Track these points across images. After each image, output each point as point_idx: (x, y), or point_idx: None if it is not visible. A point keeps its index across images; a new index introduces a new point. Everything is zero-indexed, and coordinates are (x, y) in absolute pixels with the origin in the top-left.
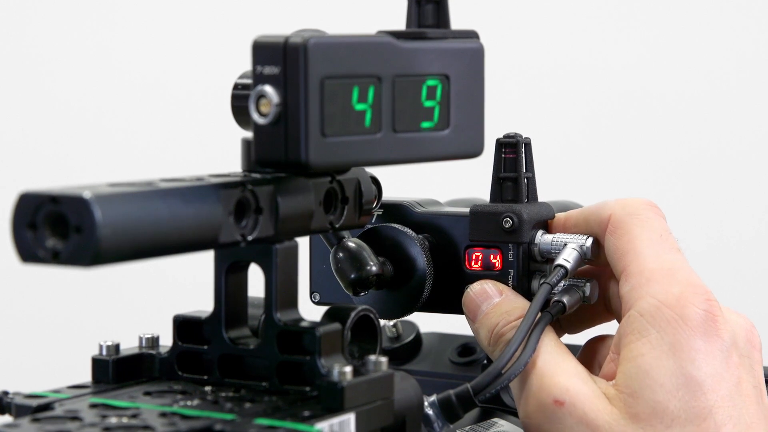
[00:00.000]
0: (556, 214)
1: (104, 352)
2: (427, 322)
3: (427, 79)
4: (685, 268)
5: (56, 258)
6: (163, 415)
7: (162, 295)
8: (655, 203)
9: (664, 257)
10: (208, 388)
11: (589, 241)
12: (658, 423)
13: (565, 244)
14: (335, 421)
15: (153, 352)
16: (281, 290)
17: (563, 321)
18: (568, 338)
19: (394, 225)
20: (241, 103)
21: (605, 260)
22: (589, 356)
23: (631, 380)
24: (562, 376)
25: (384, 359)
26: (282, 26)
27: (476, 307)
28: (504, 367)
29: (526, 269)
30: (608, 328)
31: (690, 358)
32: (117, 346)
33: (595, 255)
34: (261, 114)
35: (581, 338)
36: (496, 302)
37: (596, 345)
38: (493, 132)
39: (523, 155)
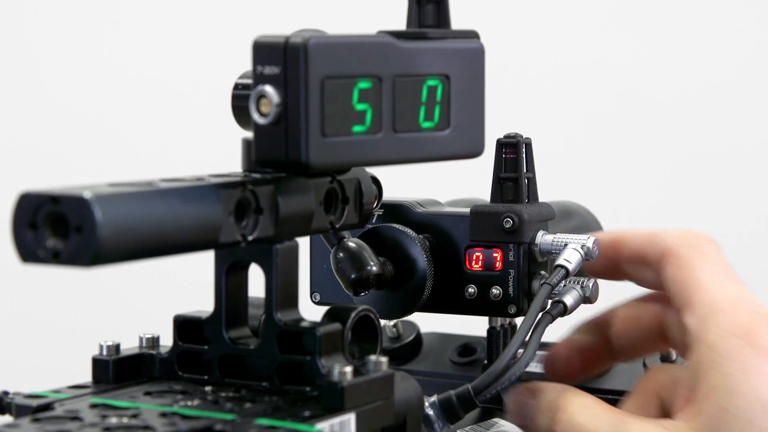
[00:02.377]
0: (599, 234)
1: (104, 352)
2: (428, 322)
3: (428, 79)
4: (748, 298)
5: (56, 258)
6: (164, 415)
7: (162, 295)
8: (711, 237)
9: (728, 288)
10: (208, 388)
11: (590, 242)
12: None
13: (566, 245)
14: (335, 421)
15: (153, 352)
16: (281, 290)
17: (616, 349)
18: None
19: (395, 225)
20: (241, 103)
21: (662, 287)
22: (648, 387)
23: (710, 419)
24: None
25: (384, 359)
26: (282, 26)
27: (524, 414)
28: (505, 367)
29: (527, 269)
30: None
31: (764, 384)
32: (117, 346)
33: (597, 256)
34: (261, 114)
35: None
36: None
37: (656, 375)
38: (493, 132)
39: (524, 155)
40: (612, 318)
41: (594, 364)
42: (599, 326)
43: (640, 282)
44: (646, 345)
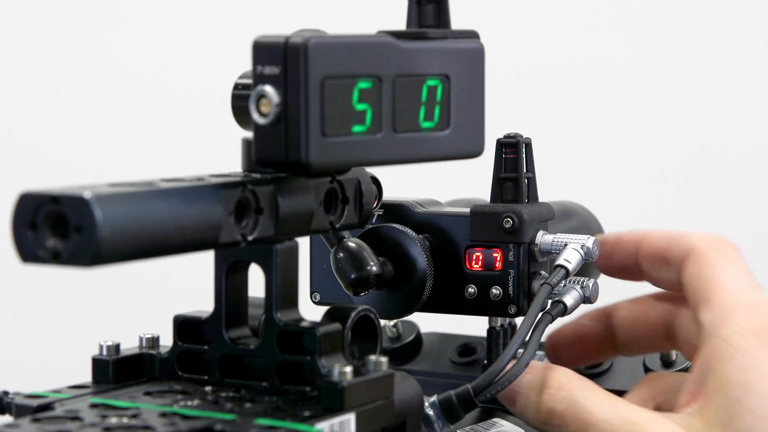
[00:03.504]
0: (628, 233)
1: (104, 352)
2: (428, 322)
3: (428, 79)
4: (767, 303)
5: (56, 258)
6: (164, 415)
7: (162, 295)
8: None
9: (748, 291)
10: (208, 388)
11: (590, 242)
12: None
13: (566, 245)
14: (335, 421)
15: (153, 352)
16: (281, 290)
17: (620, 342)
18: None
19: (395, 225)
20: (241, 103)
21: (676, 287)
22: (645, 392)
23: (720, 410)
24: (635, 429)
25: (384, 359)
26: (282, 26)
27: (513, 394)
28: (504, 367)
29: (527, 269)
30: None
31: None
32: (117, 346)
33: (597, 256)
34: (261, 114)
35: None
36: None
37: (654, 381)
38: (493, 132)
39: (524, 155)
40: (620, 310)
41: (595, 352)
42: (606, 316)
43: (657, 282)
44: (650, 342)
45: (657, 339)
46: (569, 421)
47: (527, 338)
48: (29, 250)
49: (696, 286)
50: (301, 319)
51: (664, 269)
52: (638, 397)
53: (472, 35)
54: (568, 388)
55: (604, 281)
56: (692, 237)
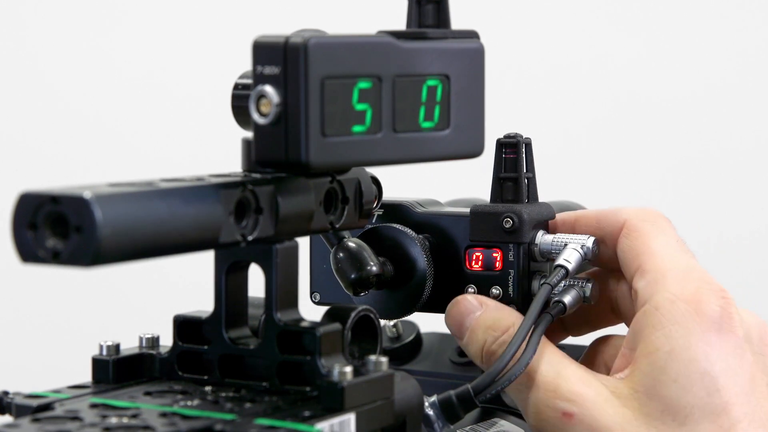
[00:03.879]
0: (562, 214)
1: (104, 352)
2: (428, 322)
3: (428, 79)
4: (700, 269)
5: (56, 258)
6: (164, 415)
7: (162, 295)
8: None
9: (680, 258)
10: (208, 388)
11: (590, 241)
12: (671, 421)
13: (566, 245)
14: (335, 421)
15: (153, 352)
16: (281, 290)
17: (568, 323)
18: (572, 340)
19: (395, 225)
20: (241, 103)
21: (614, 263)
22: (595, 357)
23: (644, 377)
24: (565, 386)
25: (384, 359)
26: (282, 26)
27: (460, 325)
28: (505, 368)
29: (527, 269)
30: (613, 330)
31: (704, 353)
32: (117, 346)
33: (596, 256)
34: (261, 114)
35: (586, 340)
36: (478, 316)
37: (601, 346)
38: (493, 132)
39: (524, 155)
40: None
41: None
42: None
43: (595, 259)
44: (597, 319)
45: (603, 315)
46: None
47: (527, 338)
48: (29, 250)
49: (630, 257)
50: (301, 319)
51: (601, 246)
52: (590, 361)
53: (472, 35)
54: (512, 332)
55: None
56: (623, 212)
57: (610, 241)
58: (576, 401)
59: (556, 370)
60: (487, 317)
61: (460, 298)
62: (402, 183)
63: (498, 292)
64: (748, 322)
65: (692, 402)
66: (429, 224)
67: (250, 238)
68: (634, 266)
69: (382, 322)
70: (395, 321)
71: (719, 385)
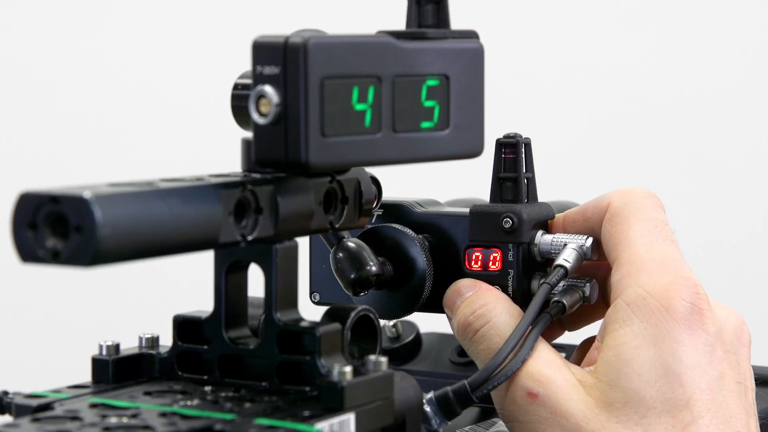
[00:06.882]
0: (555, 215)
1: (104, 352)
2: (427, 322)
3: (427, 79)
4: (676, 260)
5: (56, 258)
6: (163, 415)
7: (162, 295)
8: (654, 194)
9: (657, 247)
10: (208, 388)
11: (589, 241)
12: (633, 413)
13: (565, 245)
14: (335, 421)
15: (153, 352)
16: (281, 290)
17: (564, 318)
18: (568, 338)
19: (394, 225)
20: (241, 103)
21: (604, 255)
22: (582, 356)
23: (609, 368)
24: (534, 367)
25: (384, 359)
26: (282, 26)
27: (452, 304)
28: (501, 364)
29: (526, 269)
30: None
31: (671, 350)
32: (117, 346)
33: (595, 255)
34: (261, 114)
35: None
36: (468, 296)
37: (589, 343)
38: (493, 132)
39: (523, 155)
40: None
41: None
42: None
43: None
44: (591, 311)
45: (597, 308)
46: (479, 340)
47: (525, 336)
48: (29, 250)
49: (610, 246)
50: (301, 319)
51: (596, 243)
52: (578, 360)
53: (472, 35)
54: (490, 308)
55: None
56: (607, 196)
57: (597, 229)
58: (542, 382)
59: (534, 357)
60: (475, 296)
61: (458, 281)
62: (402, 183)
63: None
64: (723, 320)
65: (655, 396)
66: (429, 224)
67: (249, 238)
68: (612, 257)
69: (382, 322)
70: (395, 321)
71: (683, 381)
